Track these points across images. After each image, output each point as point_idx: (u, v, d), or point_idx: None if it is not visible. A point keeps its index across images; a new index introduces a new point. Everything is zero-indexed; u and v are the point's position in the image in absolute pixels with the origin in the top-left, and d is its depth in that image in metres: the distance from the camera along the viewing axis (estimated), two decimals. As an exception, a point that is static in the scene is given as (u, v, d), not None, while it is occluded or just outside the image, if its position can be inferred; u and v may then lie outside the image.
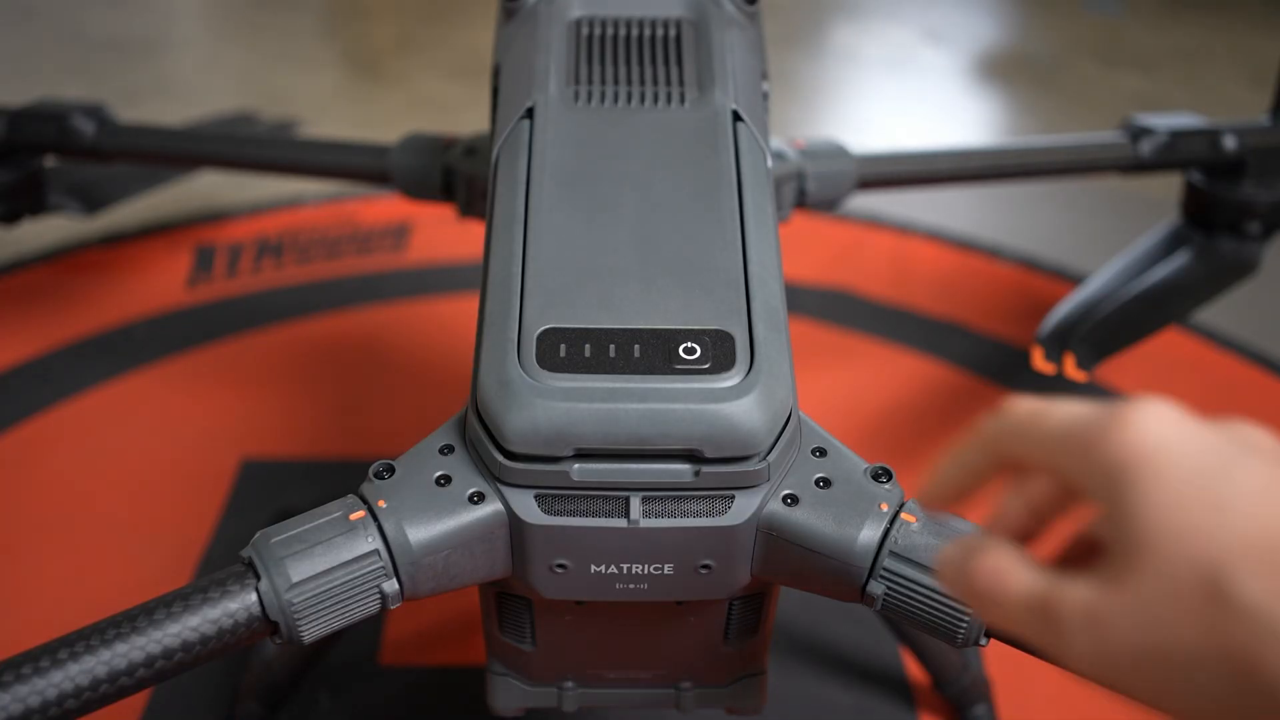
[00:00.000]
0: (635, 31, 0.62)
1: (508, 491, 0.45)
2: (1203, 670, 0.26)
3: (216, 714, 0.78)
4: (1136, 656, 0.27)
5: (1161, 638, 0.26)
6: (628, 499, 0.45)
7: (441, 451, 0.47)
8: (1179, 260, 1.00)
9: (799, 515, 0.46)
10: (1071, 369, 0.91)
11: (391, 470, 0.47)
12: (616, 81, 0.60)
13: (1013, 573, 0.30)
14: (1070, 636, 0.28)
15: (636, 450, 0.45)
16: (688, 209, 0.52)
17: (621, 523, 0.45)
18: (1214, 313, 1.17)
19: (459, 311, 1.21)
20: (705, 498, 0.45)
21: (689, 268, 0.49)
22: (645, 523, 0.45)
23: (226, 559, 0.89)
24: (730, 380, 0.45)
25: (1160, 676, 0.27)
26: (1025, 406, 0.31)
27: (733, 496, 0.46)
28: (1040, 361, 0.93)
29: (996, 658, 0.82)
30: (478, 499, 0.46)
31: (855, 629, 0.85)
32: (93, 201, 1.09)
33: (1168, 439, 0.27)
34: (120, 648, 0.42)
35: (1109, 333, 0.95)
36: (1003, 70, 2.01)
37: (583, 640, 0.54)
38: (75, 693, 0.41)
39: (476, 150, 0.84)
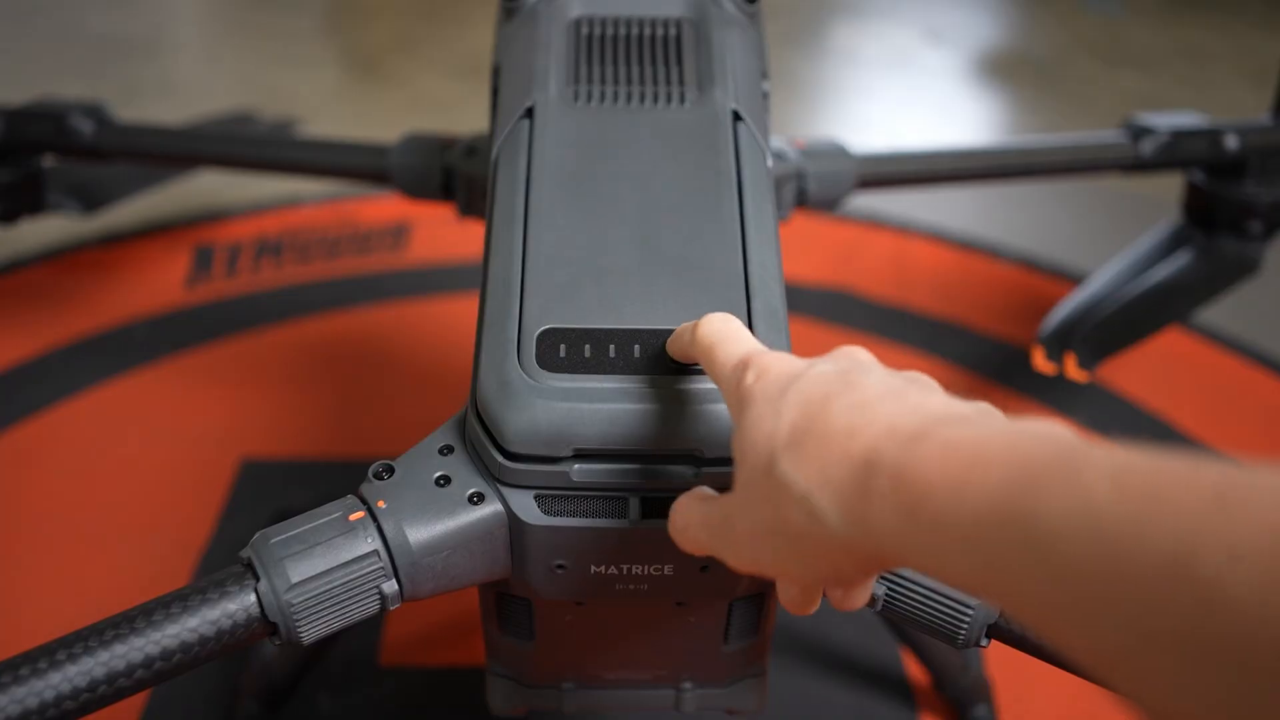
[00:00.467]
0: (635, 31, 0.62)
1: (507, 492, 0.45)
2: (773, 536, 0.34)
3: (216, 715, 0.78)
4: (748, 538, 0.36)
5: (754, 519, 0.35)
6: (627, 499, 0.45)
7: (441, 452, 0.47)
8: (1180, 260, 1.00)
9: (799, 516, 0.46)
10: (1073, 369, 0.91)
11: (391, 471, 0.47)
12: (616, 81, 0.59)
13: (693, 506, 0.40)
14: (719, 537, 0.38)
15: (636, 451, 0.44)
16: (688, 209, 0.52)
17: (621, 523, 0.45)
18: (1215, 312, 1.17)
19: (458, 311, 1.20)
20: (705, 498, 0.45)
21: (689, 268, 0.49)
22: (645, 523, 0.45)
23: (225, 560, 0.89)
24: (730, 380, 0.45)
25: (761, 549, 0.35)
26: (704, 342, 0.41)
27: (733, 497, 0.45)
28: (1041, 361, 0.93)
29: (998, 659, 0.82)
30: (477, 499, 0.45)
31: (856, 630, 0.85)
32: (91, 201, 1.09)
33: (763, 386, 0.36)
34: (119, 649, 0.41)
35: (1110, 333, 0.95)
36: (1003, 70, 2.01)
37: (583, 641, 0.53)
38: (73, 694, 0.40)
39: (476, 150, 0.84)
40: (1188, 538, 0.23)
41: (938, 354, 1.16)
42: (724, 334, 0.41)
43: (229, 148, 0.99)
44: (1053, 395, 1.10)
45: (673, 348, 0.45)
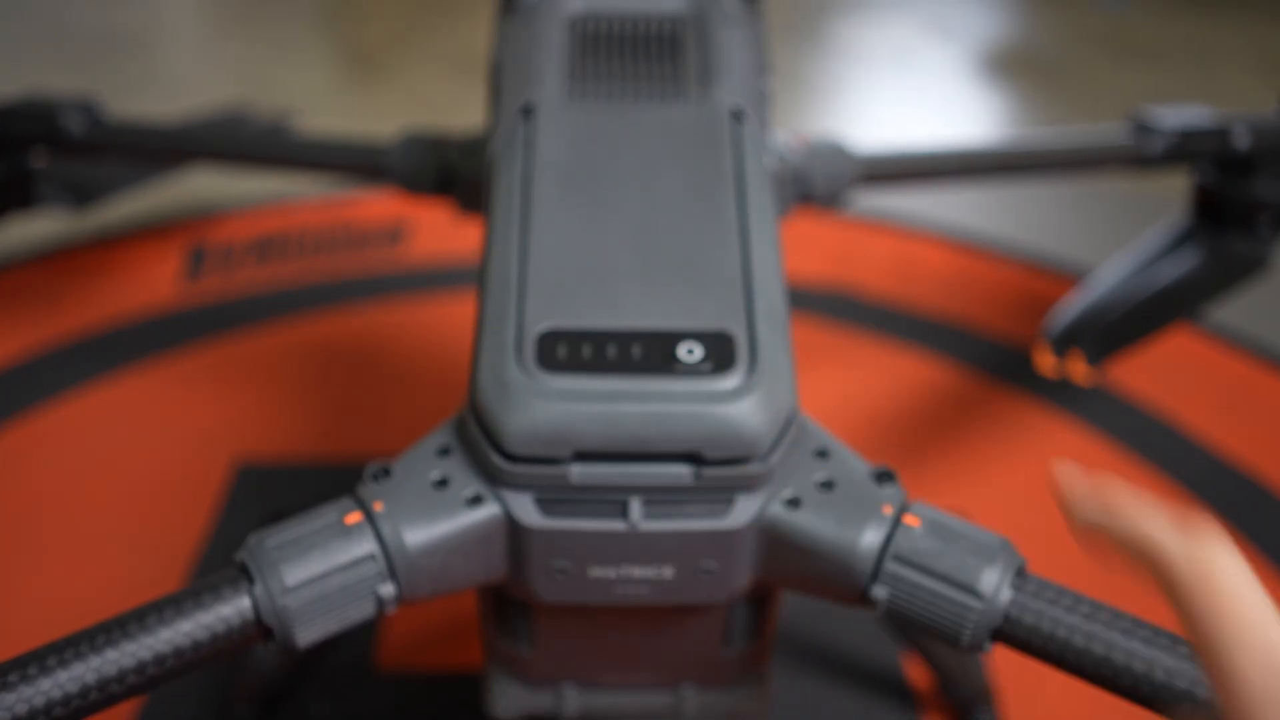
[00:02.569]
0: (635, 28, 0.62)
1: (506, 494, 0.45)
2: None
3: (210, 718, 0.77)
4: None
5: None
6: (628, 501, 0.45)
7: (439, 453, 0.47)
8: (1187, 258, 0.99)
9: (801, 518, 0.45)
10: (1079, 368, 0.90)
11: (388, 472, 0.46)
12: (616, 79, 0.59)
13: None
14: None
15: (636, 452, 0.44)
16: (688, 207, 0.52)
17: (621, 525, 0.45)
18: (1225, 311, 1.16)
19: (455, 311, 1.20)
20: (706, 500, 0.45)
21: (689, 267, 0.49)
22: (645, 525, 0.45)
23: (220, 563, 0.88)
24: (731, 381, 0.44)
25: None
26: (1215, 600, 0.29)
27: (734, 498, 0.45)
28: (1045, 362, 0.92)
29: (1001, 661, 0.82)
30: (476, 501, 0.45)
31: (857, 634, 0.85)
32: (84, 197, 1.08)
33: (1247, 611, 0.27)
34: (111, 654, 0.41)
35: (1118, 332, 0.94)
36: (1008, 65, 2.01)
37: (582, 644, 0.53)
38: (64, 700, 0.40)
39: (475, 147, 0.83)
40: None
41: (940, 354, 1.16)
42: (1251, 606, 0.28)
43: (224, 144, 0.99)
44: (1060, 395, 1.10)
45: (1102, 531, 0.31)
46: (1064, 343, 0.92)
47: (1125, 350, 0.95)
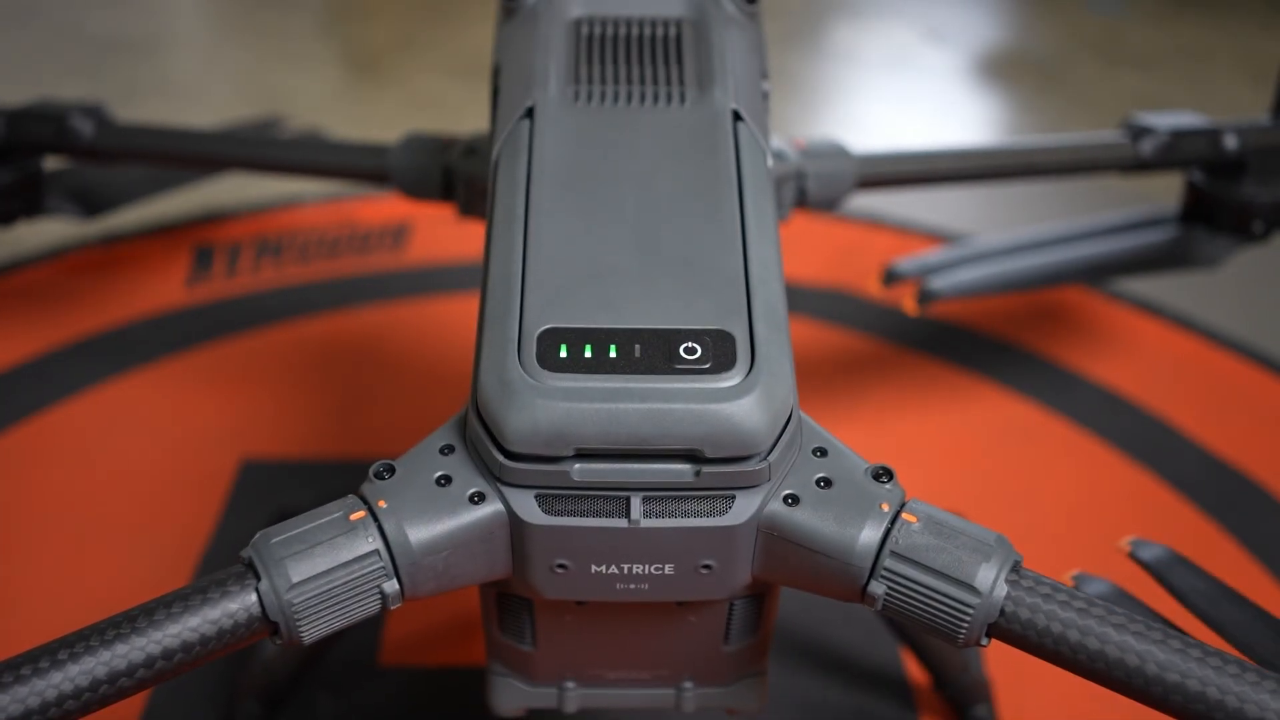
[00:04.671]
0: (635, 31, 0.62)
1: (508, 492, 0.45)
2: None
3: (216, 714, 0.78)
4: None
5: None
6: (628, 499, 0.45)
7: (442, 451, 0.47)
8: (1133, 238, 1.00)
9: (800, 515, 0.46)
10: (910, 302, 0.88)
11: (392, 470, 0.47)
12: (617, 81, 0.59)
13: None
14: None
15: (637, 450, 0.44)
16: (688, 208, 0.52)
17: (622, 523, 0.45)
18: (1217, 312, 1.17)
19: (458, 311, 1.21)
20: (706, 498, 0.45)
21: (689, 267, 0.49)
22: (646, 523, 0.45)
23: (226, 560, 0.89)
24: (731, 380, 0.45)
25: None
26: None
27: (733, 496, 0.45)
28: (876, 286, 0.89)
29: (998, 658, 0.82)
30: (478, 499, 0.45)
31: (856, 630, 0.85)
32: (92, 207, 1.09)
33: None
34: (120, 648, 0.42)
35: (986, 283, 0.92)
36: (1004, 69, 2.01)
37: (583, 641, 0.53)
38: (75, 694, 0.41)
39: (476, 150, 0.84)
40: None
41: (937, 354, 1.16)
42: None
43: (228, 149, 0.99)
44: (1051, 395, 1.10)
45: None
46: (899, 276, 0.89)
47: (979, 297, 0.94)
